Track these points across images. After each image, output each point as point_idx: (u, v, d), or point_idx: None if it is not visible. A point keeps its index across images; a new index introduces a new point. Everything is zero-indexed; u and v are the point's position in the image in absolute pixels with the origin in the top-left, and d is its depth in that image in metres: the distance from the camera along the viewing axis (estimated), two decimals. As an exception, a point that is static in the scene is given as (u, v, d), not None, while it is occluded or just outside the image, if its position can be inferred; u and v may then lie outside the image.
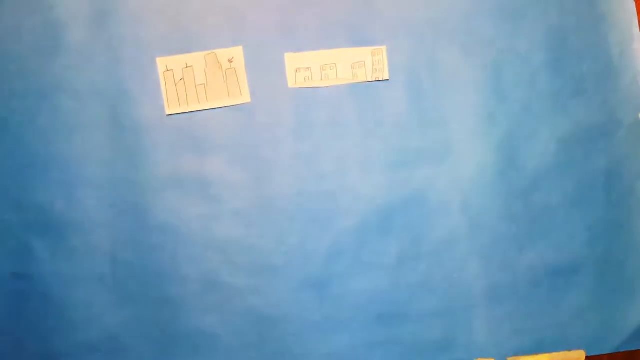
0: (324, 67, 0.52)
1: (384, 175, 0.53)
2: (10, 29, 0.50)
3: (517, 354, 0.53)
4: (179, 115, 0.51)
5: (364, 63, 0.53)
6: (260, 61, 0.52)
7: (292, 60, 0.52)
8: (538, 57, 0.54)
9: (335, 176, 0.53)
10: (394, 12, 0.53)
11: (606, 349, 0.54)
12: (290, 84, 0.52)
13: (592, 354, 0.54)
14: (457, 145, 0.54)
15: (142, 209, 0.51)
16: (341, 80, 0.53)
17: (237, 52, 0.51)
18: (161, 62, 0.51)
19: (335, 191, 0.53)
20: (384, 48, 0.53)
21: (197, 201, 0.51)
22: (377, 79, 0.53)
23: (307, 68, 0.52)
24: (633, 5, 0.55)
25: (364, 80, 0.53)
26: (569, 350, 0.53)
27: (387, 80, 0.53)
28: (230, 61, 0.51)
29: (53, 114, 0.50)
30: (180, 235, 0.51)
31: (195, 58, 0.51)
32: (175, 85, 0.51)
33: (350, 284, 0.52)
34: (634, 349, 0.55)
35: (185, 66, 0.51)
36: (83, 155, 0.51)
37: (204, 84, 0.51)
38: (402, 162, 0.53)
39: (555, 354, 0.53)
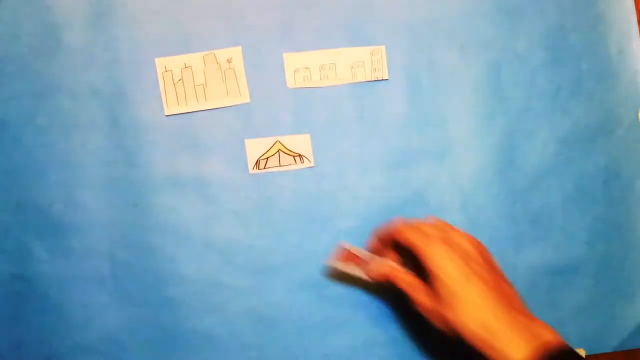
0: (323, 67, 0.52)
1: (383, 175, 0.53)
2: (8, 30, 0.50)
3: (516, 353, 0.53)
4: (177, 115, 0.51)
5: (363, 63, 0.53)
6: (259, 61, 0.52)
7: (291, 60, 0.52)
8: (537, 56, 0.54)
9: (334, 176, 0.53)
10: (393, 11, 0.53)
11: (606, 348, 0.54)
12: (290, 84, 0.52)
13: (592, 353, 0.54)
14: (456, 145, 0.54)
15: (141, 209, 0.51)
16: (340, 80, 0.53)
17: (236, 53, 0.51)
18: (160, 63, 0.51)
19: (335, 191, 0.53)
20: (382, 47, 0.53)
21: (196, 201, 0.51)
22: (376, 79, 0.53)
23: (306, 68, 0.52)
24: (632, 4, 0.55)
25: (363, 80, 0.53)
26: (569, 349, 0.53)
27: (387, 79, 0.53)
28: (229, 61, 0.51)
29: (52, 114, 0.50)
30: (179, 235, 0.51)
31: (194, 58, 0.51)
32: (174, 85, 0.51)
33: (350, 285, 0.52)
34: (633, 347, 0.55)
35: (184, 66, 0.51)
36: (82, 156, 0.51)
37: (203, 84, 0.51)
38: (402, 161, 0.53)
39: (555, 354, 0.53)
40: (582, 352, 0.54)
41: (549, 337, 0.40)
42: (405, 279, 0.46)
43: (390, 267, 0.47)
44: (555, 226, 0.54)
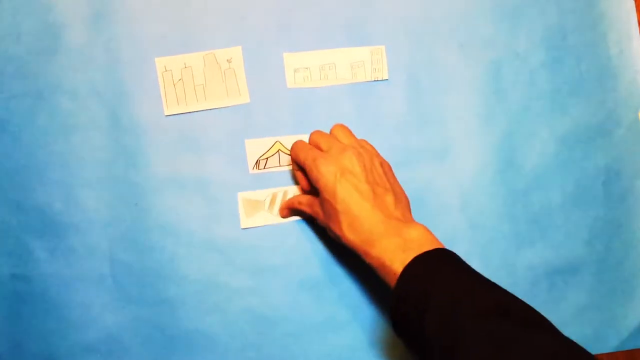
0: (323, 67, 0.52)
1: (383, 175, 0.53)
2: (8, 30, 0.50)
3: (516, 353, 0.53)
4: (177, 115, 0.51)
5: (363, 63, 0.53)
6: (259, 61, 0.52)
7: (291, 60, 0.52)
8: (537, 56, 0.55)
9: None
10: (393, 11, 0.53)
11: (606, 348, 0.54)
12: (289, 84, 0.52)
13: (592, 353, 0.54)
14: (456, 145, 0.54)
15: (141, 209, 0.51)
16: (340, 80, 0.53)
17: (236, 52, 0.51)
18: (160, 63, 0.51)
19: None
20: (382, 47, 0.53)
21: (197, 201, 0.51)
22: (376, 79, 0.53)
23: (306, 68, 0.52)
24: (632, 4, 0.55)
25: (363, 80, 0.53)
26: (569, 349, 0.53)
27: (387, 79, 0.53)
28: (229, 61, 0.51)
29: (52, 114, 0.50)
30: (179, 235, 0.51)
31: (194, 58, 0.51)
32: (174, 85, 0.51)
33: (350, 285, 0.52)
34: (633, 348, 0.55)
35: (184, 66, 0.51)
36: (82, 156, 0.50)
37: (203, 84, 0.51)
38: (402, 161, 0.53)
39: (555, 354, 0.53)
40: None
41: (422, 239, 0.41)
42: (302, 201, 0.50)
43: (287, 200, 0.51)
44: (555, 226, 0.54)
